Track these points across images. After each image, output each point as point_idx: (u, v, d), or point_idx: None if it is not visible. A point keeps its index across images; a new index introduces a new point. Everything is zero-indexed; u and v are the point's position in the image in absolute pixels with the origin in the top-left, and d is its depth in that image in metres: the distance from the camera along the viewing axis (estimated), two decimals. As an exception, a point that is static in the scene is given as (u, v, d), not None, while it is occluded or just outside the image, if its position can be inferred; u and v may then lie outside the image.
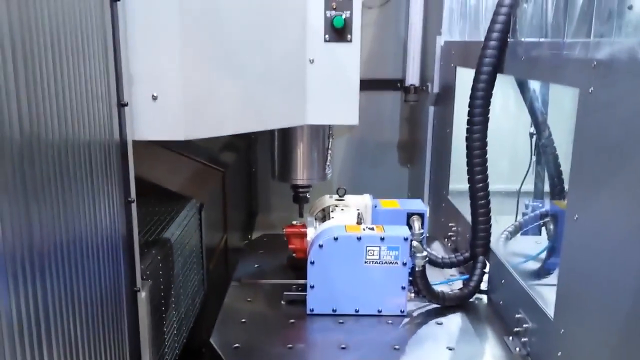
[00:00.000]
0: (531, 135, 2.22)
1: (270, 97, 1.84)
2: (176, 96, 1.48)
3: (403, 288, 1.85)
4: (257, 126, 1.85)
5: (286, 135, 2.26)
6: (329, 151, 2.29)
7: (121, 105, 1.35)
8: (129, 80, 1.40)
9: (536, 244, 2.10)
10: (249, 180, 3.46)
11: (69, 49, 1.09)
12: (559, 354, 1.43)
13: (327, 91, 2.01)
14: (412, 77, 3.02)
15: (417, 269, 1.86)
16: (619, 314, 1.16)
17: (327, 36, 2.00)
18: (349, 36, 2.00)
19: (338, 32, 1.99)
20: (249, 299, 2.00)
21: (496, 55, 1.80)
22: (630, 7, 1.20)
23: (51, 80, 1.02)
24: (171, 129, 1.50)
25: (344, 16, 1.98)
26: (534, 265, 2.02)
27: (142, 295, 1.49)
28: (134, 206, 1.43)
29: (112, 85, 1.32)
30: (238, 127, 1.76)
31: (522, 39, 1.72)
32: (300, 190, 2.34)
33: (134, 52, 1.41)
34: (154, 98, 1.44)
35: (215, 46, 1.59)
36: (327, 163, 2.30)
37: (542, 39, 1.60)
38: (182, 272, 2.01)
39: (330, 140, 2.29)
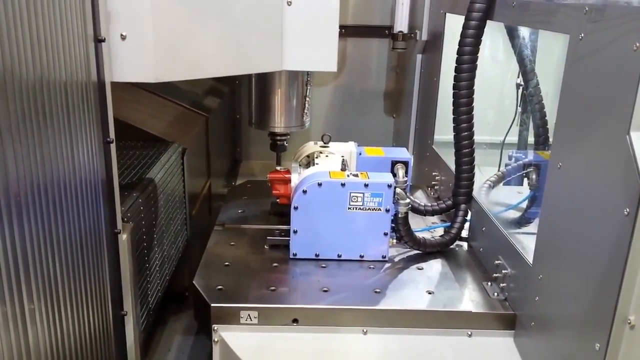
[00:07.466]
0: (518, 85, 2.21)
1: (246, 41, 1.77)
2: (145, 36, 1.43)
3: (385, 234, 1.87)
4: (232, 70, 1.79)
5: (264, 82, 2.19)
6: (307, 99, 2.24)
7: (98, 40, 1.30)
8: (106, 18, 1.35)
9: (518, 194, 2.11)
10: (232, 126, 3.42)
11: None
12: (537, 298, 1.46)
13: (305, 35, 1.91)
14: (401, 24, 2.95)
15: (399, 215, 1.87)
16: (596, 261, 1.18)
17: None
18: None
19: (317, -28, 1.88)
20: (232, 243, 2.01)
21: (487, 1, 1.77)
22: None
23: (24, 12, 0.98)
24: (141, 70, 1.45)
25: None
26: (515, 215, 2.04)
27: (123, 237, 1.48)
28: (113, 147, 1.40)
29: (89, 21, 1.27)
30: (212, 71, 1.70)
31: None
32: (278, 138, 2.29)
33: (110, -11, 1.36)
34: (123, 37, 1.40)
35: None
36: (305, 111, 2.26)
37: (534, -16, 1.57)
38: (164, 215, 2.01)
39: (308, 87, 2.23)
